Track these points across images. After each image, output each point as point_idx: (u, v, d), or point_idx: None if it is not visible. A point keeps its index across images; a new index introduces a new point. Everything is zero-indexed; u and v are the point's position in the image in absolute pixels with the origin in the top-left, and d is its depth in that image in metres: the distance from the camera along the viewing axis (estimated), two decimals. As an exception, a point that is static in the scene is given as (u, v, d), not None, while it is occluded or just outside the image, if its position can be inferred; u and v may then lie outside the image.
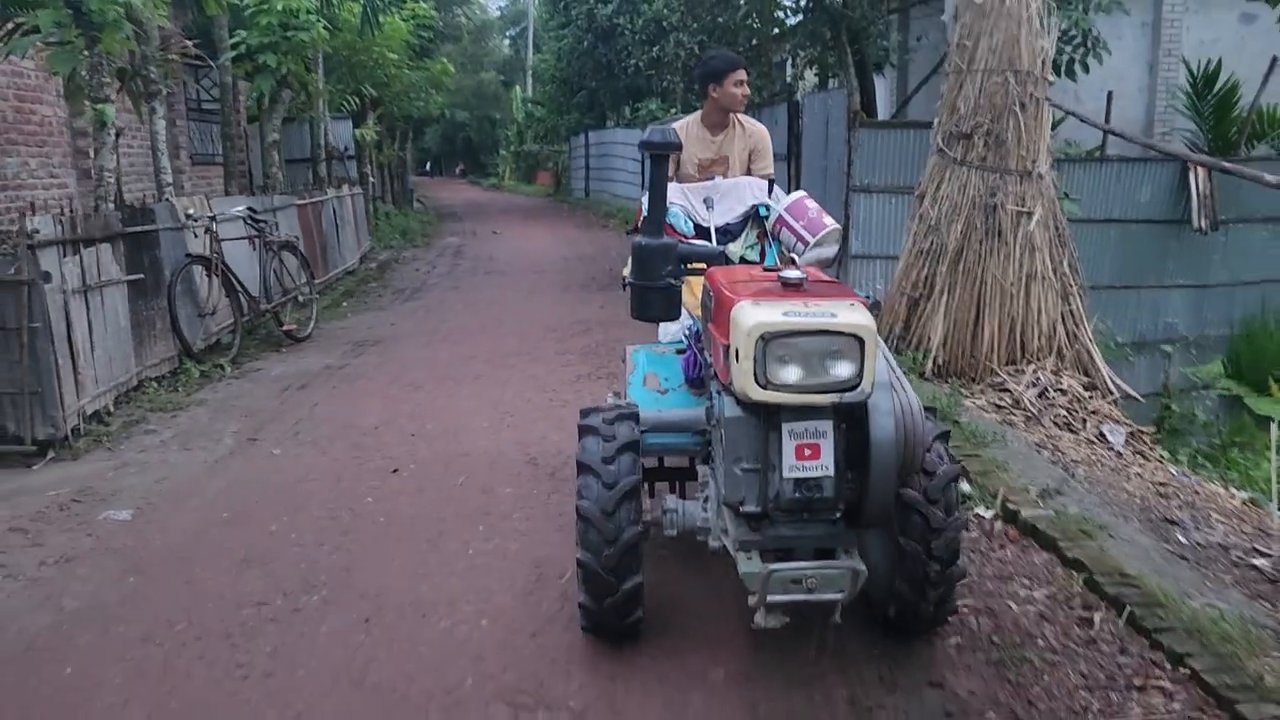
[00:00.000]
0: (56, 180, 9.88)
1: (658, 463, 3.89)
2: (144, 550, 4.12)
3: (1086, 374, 6.62)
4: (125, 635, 3.37)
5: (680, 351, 3.98)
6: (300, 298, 8.99)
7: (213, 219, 7.69)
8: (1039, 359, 6.57)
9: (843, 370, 2.60)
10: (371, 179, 19.26)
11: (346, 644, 3.29)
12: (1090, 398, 6.40)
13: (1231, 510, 5.11)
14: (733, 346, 2.64)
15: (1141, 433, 6.28)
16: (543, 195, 34.96)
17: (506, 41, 56.46)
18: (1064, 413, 6.16)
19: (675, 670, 3.04)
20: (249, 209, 8.34)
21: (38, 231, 5.18)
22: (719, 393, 2.97)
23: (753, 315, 2.60)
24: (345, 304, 10.91)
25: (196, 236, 7.63)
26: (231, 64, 10.73)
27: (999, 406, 6.16)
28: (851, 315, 2.60)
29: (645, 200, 3.84)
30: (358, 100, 17.13)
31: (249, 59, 10.31)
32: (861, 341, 2.57)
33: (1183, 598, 3.37)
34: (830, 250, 4.00)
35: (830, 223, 4.01)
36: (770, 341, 2.58)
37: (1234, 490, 5.62)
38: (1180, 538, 4.37)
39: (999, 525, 4.14)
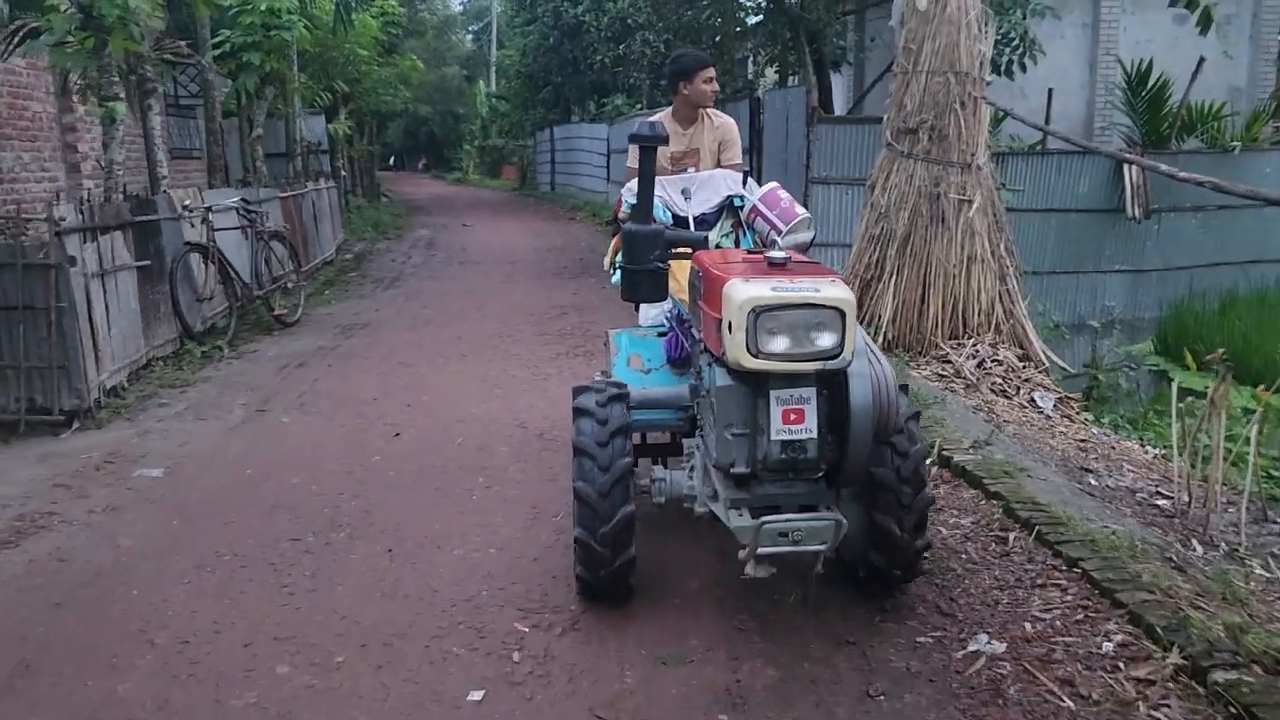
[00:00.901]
0: (47, 174, 10.23)
1: (641, 438, 4.16)
2: (181, 500, 4.62)
3: (1021, 347, 7.28)
4: (180, 565, 3.88)
5: (661, 334, 4.21)
6: (289, 285, 9.44)
7: (208, 209, 8.14)
8: (978, 334, 7.22)
9: (826, 340, 2.83)
10: (344, 173, 19.62)
11: (375, 568, 3.83)
12: (1024, 368, 7.06)
13: (1143, 462, 5.79)
14: (725, 320, 2.87)
15: (1069, 399, 6.95)
16: (508, 189, 35.33)
17: (469, 36, 56.41)
18: (999, 381, 6.82)
19: (659, 585, 3.60)
20: (243, 200, 8.78)
21: (64, 219, 5.63)
22: (710, 365, 3.20)
23: (744, 291, 2.83)
24: (327, 292, 11.34)
25: (193, 226, 8.06)
26: (214, 61, 11.11)
27: (941, 376, 6.80)
28: (833, 290, 2.84)
29: (624, 192, 4.32)
30: (330, 95, 17.51)
31: (233, 57, 10.71)
32: (843, 314, 2.81)
33: (1084, 521, 4.01)
34: (806, 235, 4.24)
35: (802, 211, 4.23)
36: (760, 315, 2.80)
37: (1148, 447, 6.30)
38: (1092, 481, 5.02)
39: (934, 470, 4.75)
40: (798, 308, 2.81)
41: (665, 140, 3.83)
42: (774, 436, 2.90)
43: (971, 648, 3.09)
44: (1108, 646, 3.03)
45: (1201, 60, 11.99)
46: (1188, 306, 11.49)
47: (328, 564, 3.87)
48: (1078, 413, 6.85)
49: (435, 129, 52.24)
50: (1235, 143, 12.56)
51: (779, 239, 4.15)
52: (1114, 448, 6.02)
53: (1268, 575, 3.83)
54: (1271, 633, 2.94)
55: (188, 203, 8.04)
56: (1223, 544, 4.14)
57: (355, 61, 17.87)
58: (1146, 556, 3.67)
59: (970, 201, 7.23)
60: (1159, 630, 2.99)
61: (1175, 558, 3.79)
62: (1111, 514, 4.36)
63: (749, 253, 3.47)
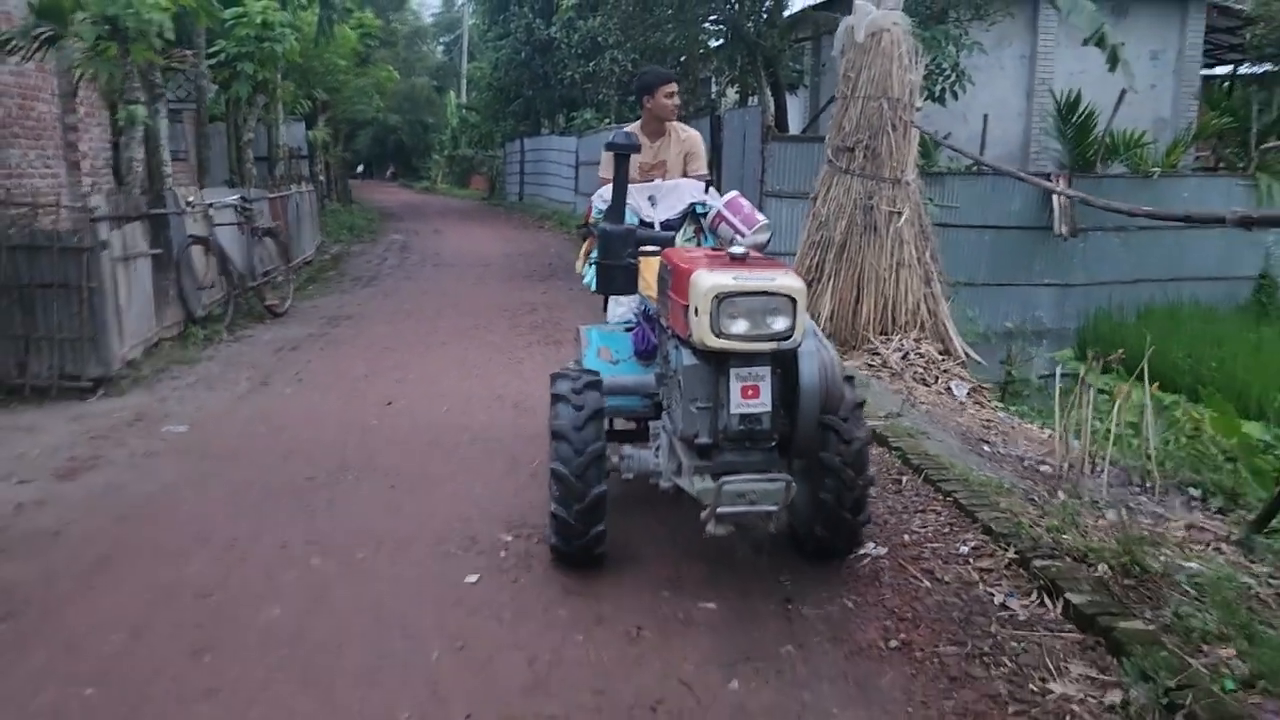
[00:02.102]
0: (50, 170, 10.85)
1: (609, 425, 4.32)
2: (207, 449, 5.37)
3: (942, 343, 8.19)
4: (216, 493, 4.65)
5: (628, 329, 4.54)
6: (279, 278, 10.17)
7: (209, 206, 8.86)
8: (905, 330, 8.13)
9: (779, 324, 3.19)
10: (321, 177, 20.29)
11: (381, 498, 4.62)
12: (943, 361, 7.97)
13: (1037, 440, 6.69)
14: (692, 305, 3.21)
15: (982, 388, 7.88)
16: (478, 199, 36.02)
17: (440, 47, 56.95)
18: (920, 371, 7.72)
19: (622, 515, 4.41)
20: (241, 198, 9.52)
21: (99, 208, 6.37)
22: (677, 347, 3.52)
23: (709, 279, 3.18)
24: (310, 288, 12.04)
25: (195, 221, 8.78)
26: (208, 69, 11.82)
27: (870, 365, 7.69)
28: (786, 280, 3.20)
29: (595, 198, 4.80)
30: (310, 103, 18.21)
31: (228, 65, 11.43)
32: (794, 301, 3.18)
33: (966, 470, 4.90)
34: (764, 237, 4.47)
35: (762, 218, 4.56)
36: (723, 300, 3.15)
37: (1046, 429, 7.23)
38: (986, 448, 5.92)
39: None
40: (755, 294, 3.18)
41: (638, 149, 4.23)
42: (733, 410, 3.26)
43: (860, 552, 3.94)
44: (963, 549, 3.91)
45: (1123, 92, 13.07)
46: (1106, 318, 12.53)
47: (341, 494, 4.66)
48: (989, 401, 7.78)
49: (404, 138, 52.60)
50: (1155, 169, 13.68)
51: (740, 240, 4.40)
52: (1014, 428, 6.92)
53: (1114, 518, 4.74)
54: (1087, 540, 3.82)
55: (190, 199, 8.77)
56: (1085, 496, 5.04)
57: (334, 71, 18.61)
58: (1009, 494, 4.56)
59: (899, 213, 8.15)
60: (1001, 535, 3.87)
61: (1036, 499, 4.68)
62: (993, 469, 5.26)
63: (713, 249, 3.89)
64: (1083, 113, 13.74)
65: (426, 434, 5.67)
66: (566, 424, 3.55)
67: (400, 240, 19.02)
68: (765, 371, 3.27)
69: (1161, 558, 3.64)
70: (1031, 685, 2.93)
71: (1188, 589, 3.40)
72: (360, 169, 56.67)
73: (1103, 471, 5.31)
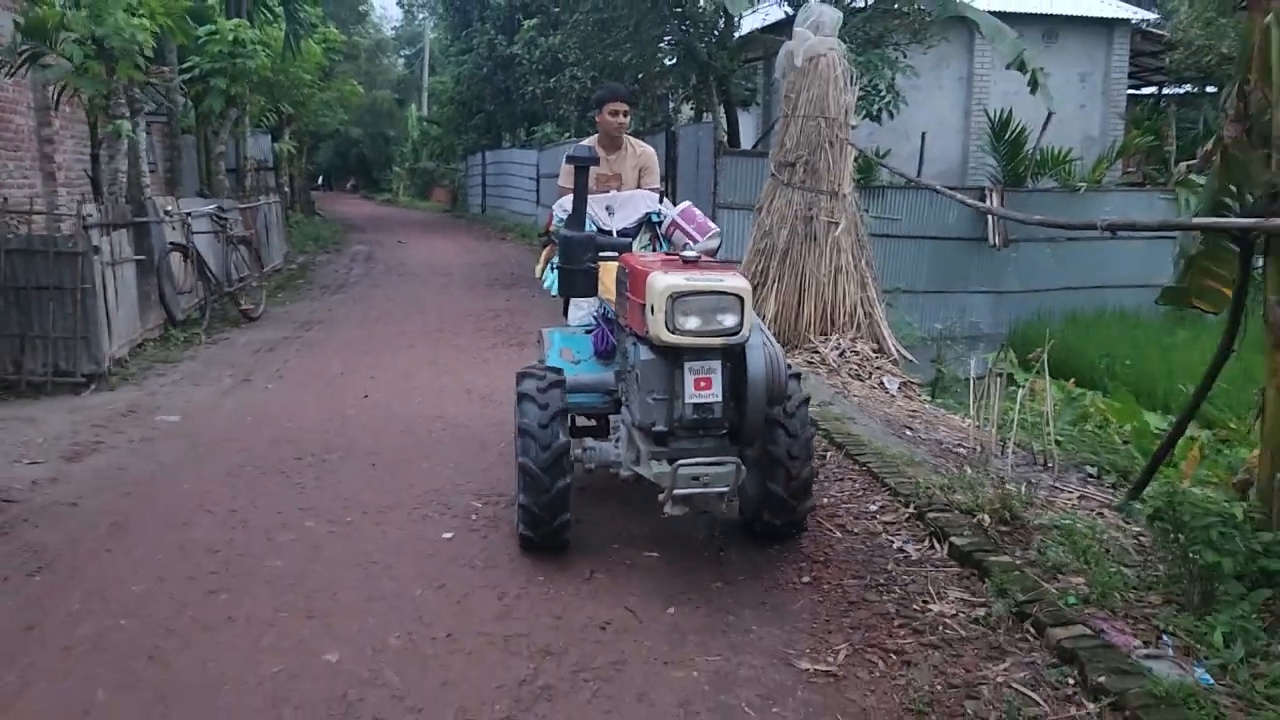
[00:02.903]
0: (27, 181, 11.21)
1: (570, 422, 4.40)
2: (199, 436, 5.87)
3: (877, 343, 8.88)
4: (213, 472, 5.16)
5: (588, 331, 4.75)
6: (253, 284, 10.62)
7: (188, 214, 9.33)
8: (842, 331, 8.80)
9: (728, 320, 3.48)
10: (286, 189, 20.66)
11: (364, 474, 5.16)
12: (877, 359, 8.65)
13: (957, 427, 7.37)
14: (648, 304, 3.48)
15: (912, 383, 8.56)
16: (440, 211, 36.39)
17: (401, 60, 57.13)
18: (856, 367, 8.39)
19: (586, 492, 4.99)
20: (219, 208, 9.98)
21: (91, 215, 6.84)
22: (635, 344, 3.77)
23: (664, 280, 3.47)
24: (280, 295, 12.47)
25: (174, 229, 9.24)
26: (181, 84, 12.25)
27: (810, 362, 8.34)
28: (735, 281, 3.51)
29: (555, 208, 5.14)
30: (276, 116, 18.61)
31: (202, 80, 11.87)
32: (742, 300, 3.47)
33: (883, 448, 5.54)
34: (714, 243, 4.73)
35: (714, 226, 4.83)
36: (677, 299, 3.43)
37: (966, 419, 7.91)
38: (908, 433, 6.58)
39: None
40: (706, 294, 3.48)
41: (597, 161, 4.51)
42: (687, 400, 3.54)
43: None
44: (872, 507, 4.54)
45: (1050, 114, 13.95)
46: (1035, 322, 13.34)
47: (327, 472, 5.19)
48: (918, 395, 8.46)
49: (365, 150, 52.66)
50: (1082, 183, 14.56)
51: (692, 246, 4.59)
52: (938, 417, 7.60)
53: (1014, 489, 5.40)
54: (974, 498, 4.47)
55: (168, 208, 9.22)
56: (993, 473, 5.70)
57: (300, 85, 19.01)
58: (918, 466, 5.21)
59: (837, 223, 8.83)
60: (904, 496, 4.51)
61: (943, 472, 5.33)
62: (910, 449, 5.91)
63: (667, 254, 4.15)
64: (1014, 131, 14.59)
65: (401, 422, 6.21)
66: (533, 422, 3.79)
67: (365, 251, 19.44)
68: (716, 365, 3.58)
69: (1035, 512, 4.29)
70: (915, 606, 3.55)
71: (1056, 536, 4.05)
72: (321, 181, 56.68)
73: (1009, 452, 5.99)
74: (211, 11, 12.71)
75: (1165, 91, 18.71)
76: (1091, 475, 6.00)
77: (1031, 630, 3.28)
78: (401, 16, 58.16)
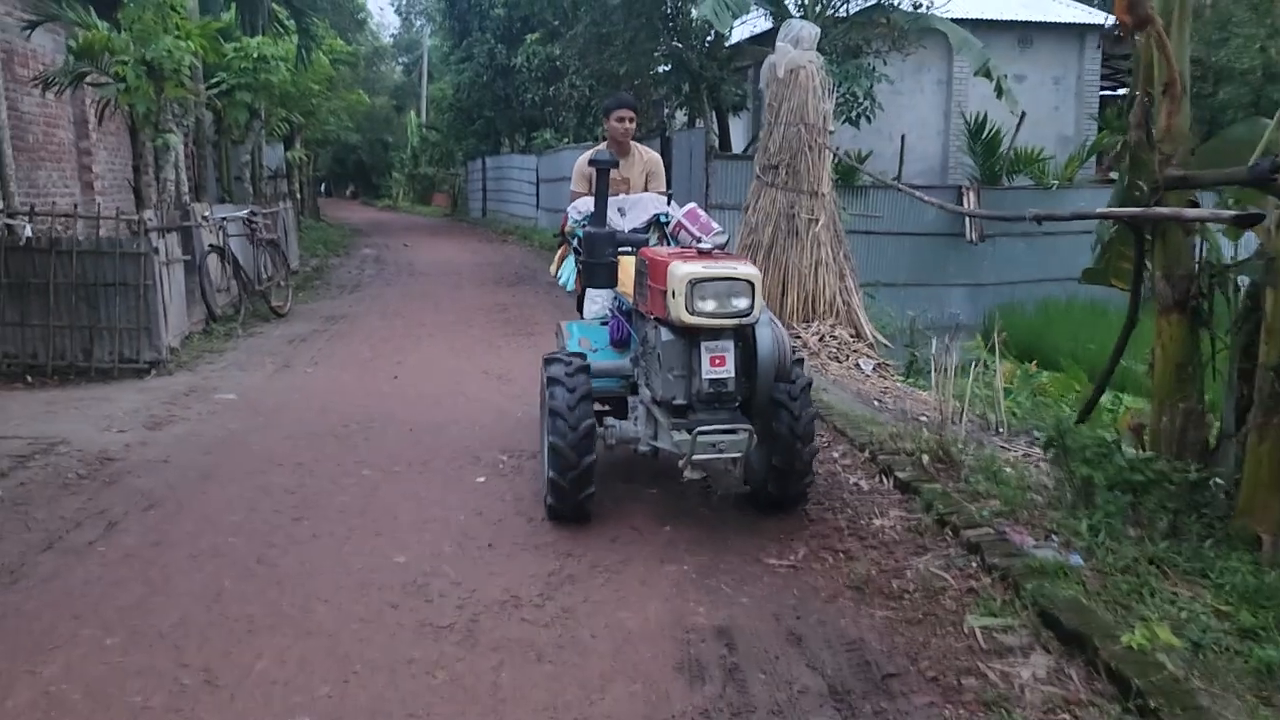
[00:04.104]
0: (68, 190, 12.10)
1: None
2: (256, 409, 6.74)
3: (854, 329, 9.76)
4: (275, 436, 6.03)
5: (603, 323, 5.18)
6: (280, 283, 11.50)
7: (224, 219, 10.20)
8: (823, 318, 9.68)
9: (741, 303, 3.88)
10: (298, 195, 21.53)
11: (404, 437, 6.03)
12: (854, 343, 9.53)
13: (924, 400, 8.24)
14: (670, 290, 3.87)
15: (886, 364, 9.44)
16: (441, 215, 37.26)
17: (399, 67, 57.84)
18: (834, 351, 9.27)
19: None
20: (251, 213, 10.86)
21: (151, 220, 7.72)
22: (655, 327, 4.15)
23: (684, 268, 3.90)
24: (302, 294, 13.34)
25: (211, 232, 10.11)
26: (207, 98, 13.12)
27: (793, 347, 9.21)
28: (746, 268, 3.94)
29: (570, 210, 5.42)
30: (288, 126, 19.46)
31: (227, 94, 12.73)
32: (752, 285, 3.89)
33: (849, 411, 6.41)
34: (720, 240, 4.75)
35: (716, 226, 5.10)
36: (695, 285, 3.83)
37: (933, 394, 8.79)
38: (877, 404, 7.46)
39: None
40: (721, 279, 3.89)
41: (617, 165, 5.00)
42: (704, 376, 3.95)
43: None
44: (835, 454, 5.42)
45: (1023, 115, 14.85)
46: (1009, 312, 14.23)
47: (373, 435, 6.06)
48: (891, 375, 9.34)
49: (364, 156, 53.32)
50: (1054, 181, 15.46)
51: (704, 241, 4.85)
52: (906, 393, 8.48)
53: (950, 436, 6.28)
54: (918, 445, 5.34)
55: (205, 214, 10.10)
56: (948, 435, 6.58)
57: (309, 95, 19.88)
58: (878, 425, 6.09)
59: (817, 220, 9.71)
60: (861, 444, 5.40)
61: (900, 431, 6.20)
62: (875, 414, 6.79)
63: (683, 248, 4.62)
64: (989, 133, 15.49)
65: (430, 397, 7.09)
66: (561, 404, 4.15)
67: (373, 254, 20.31)
68: (729, 344, 3.99)
69: (969, 456, 5.17)
70: (862, 521, 4.44)
71: (982, 473, 4.92)
72: (322, 188, 57.41)
73: (964, 419, 6.86)
74: (232, 28, 13.59)
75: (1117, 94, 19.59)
76: (1037, 439, 6.86)
77: (950, 534, 4.16)
78: (400, 24, 59.04)
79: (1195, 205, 4.75)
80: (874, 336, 9.89)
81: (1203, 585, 3.48)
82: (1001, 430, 6.78)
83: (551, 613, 3.57)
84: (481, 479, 5.17)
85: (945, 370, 7.03)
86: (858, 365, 9.23)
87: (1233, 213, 4.12)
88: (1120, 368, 10.81)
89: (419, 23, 55.93)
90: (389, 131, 51.57)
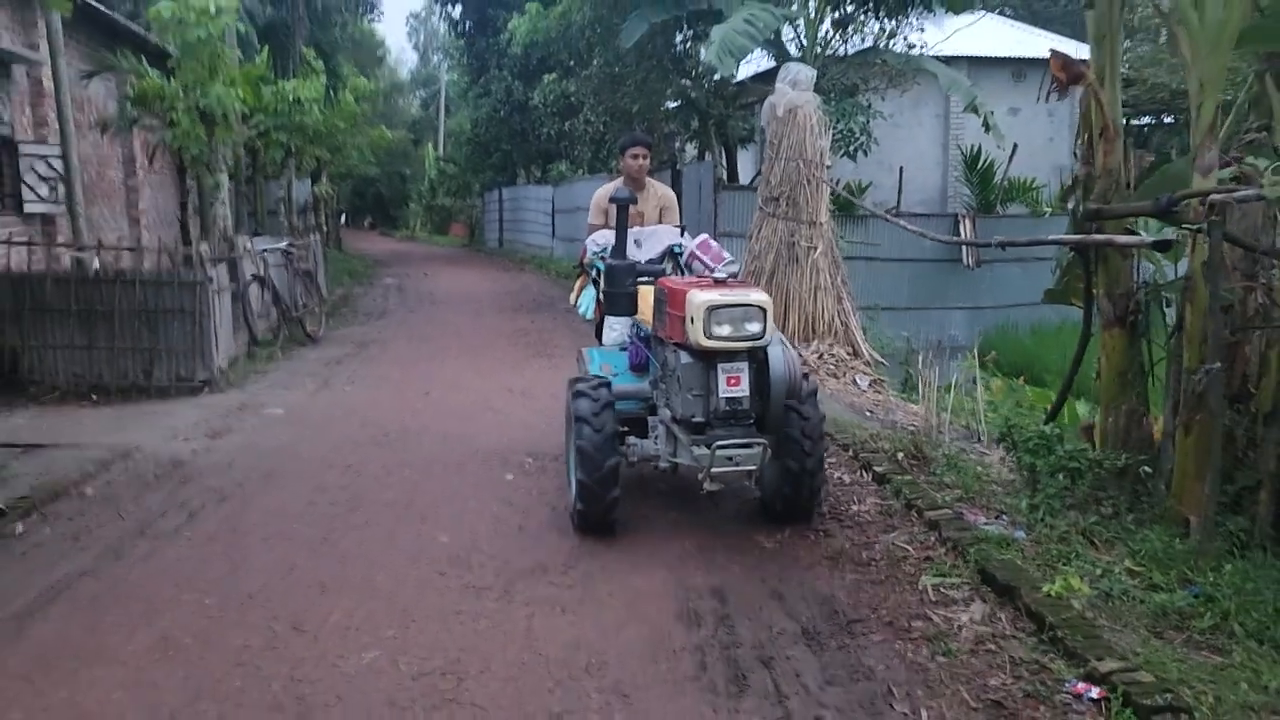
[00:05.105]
0: (116, 225, 12.99)
1: None
2: (303, 422, 7.47)
3: (852, 348, 10.44)
4: (324, 445, 6.74)
5: (622, 349, 5.49)
6: (314, 309, 12.28)
7: (264, 251, 11.00)
8: (822, 338, 10.37)
9: (754, 327, 4.18)
10: (324, 228, 22.42)
11: (439, 443, 6.73)
12: (851, 361, 10.21)
13: (914, 412, 8.90)
14: (688, 316, 4.19)
15: (880, 380, 10.11)
16: (458, 245, 38.17)
17: (416, 101, 59.07)
18: (832, 368, 9.95)
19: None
20: (290, 244, 11.66)
21: (207, 251, 8.50)
22: (675, 351, 4.42)
23: (701, 296, 4.20)
24: (331, 321, 14.12)
25: (253, 263, 10.90)
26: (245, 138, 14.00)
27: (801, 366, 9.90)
28: (758, 295, 4.25)
29: (588, 242, 5.81)
30: (315, 162, 20.40)
31: (263, 135, 13.60)
32: (764, 310, 4.20)
33: (840, 416, 7.08)
34: (734, 268, 5.58)
35: (728, 255, 5.54)
36: (712, 311, 4.13)
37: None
38: (868, 414, 8.12)
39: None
40: (736, 306, 4.21)
41: (635, 201, 5.35)
42: (720, 395, 4.24)
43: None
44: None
45: (1015, 147, 15.57)
46: (1003, 334, 14.89)
47: (411, 443, 6.77)
48: (885, 390, 10.00)
49: (383, 189, 54.35)
50: (1047, 209, 16.14)
51: (718, 270, 5.34)
52: (898, 405, 9.14)
53: (924, 437, 6.92)
54: (895, 444, 5.99)
55: (248, 246, 10.89)
56: (933, 440, 7.23)
57: (335, 133, 20.82)
58: (863, 429, 6.76)
59: (815, 248, 10.43)
60: (845, 444, 6.07)
61: (879, 432, 6.87)
62: (864, 422, 7.45)
63: (699, 277, 5.00)
64: (984, 164, 16.21)
65: (459, 411, 7.81)
66: (587, 411, 4.51)
67: (395, 283, 21.11)
68: (744, 365, 4.28)
69: (941, 454, 5.83)
70: (841, 508, 5.11)
71: (950, 468, 5.58)
72: (341, 219, 58.48)
73: (947, 428, 7.52)
74: (266, 71, 14.49)
75: (1132, 123, 20.29)
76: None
77: (915, 515, 4.83)
78: (417, 60, 60.47)
79: (1132, 232, 5.44)
80: (870, 355, 10.56)
81: (1122, 552, 4.14)
82: (983, 439, 7.43)
83: (574, 578, 4.26)
84: (510, 477, 5.87)
85: (931, 384, 7.72)
86: (854, 381, 9.90)
87: (1152, 238, 4.81)
88: (1086, 378, 11.50)
89: (436, 58, 57.36)
90: (406, 164, 52.47)
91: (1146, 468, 4.73)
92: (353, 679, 3.38)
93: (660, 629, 3.75)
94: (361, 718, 3.12)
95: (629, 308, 5.13)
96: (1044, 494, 4.61)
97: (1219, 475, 4.16)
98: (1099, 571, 3.91)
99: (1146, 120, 18.86)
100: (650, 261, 5.60)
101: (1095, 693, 3.06)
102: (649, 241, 5.72)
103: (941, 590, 3.97)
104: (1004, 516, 4.68)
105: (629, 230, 5.52)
